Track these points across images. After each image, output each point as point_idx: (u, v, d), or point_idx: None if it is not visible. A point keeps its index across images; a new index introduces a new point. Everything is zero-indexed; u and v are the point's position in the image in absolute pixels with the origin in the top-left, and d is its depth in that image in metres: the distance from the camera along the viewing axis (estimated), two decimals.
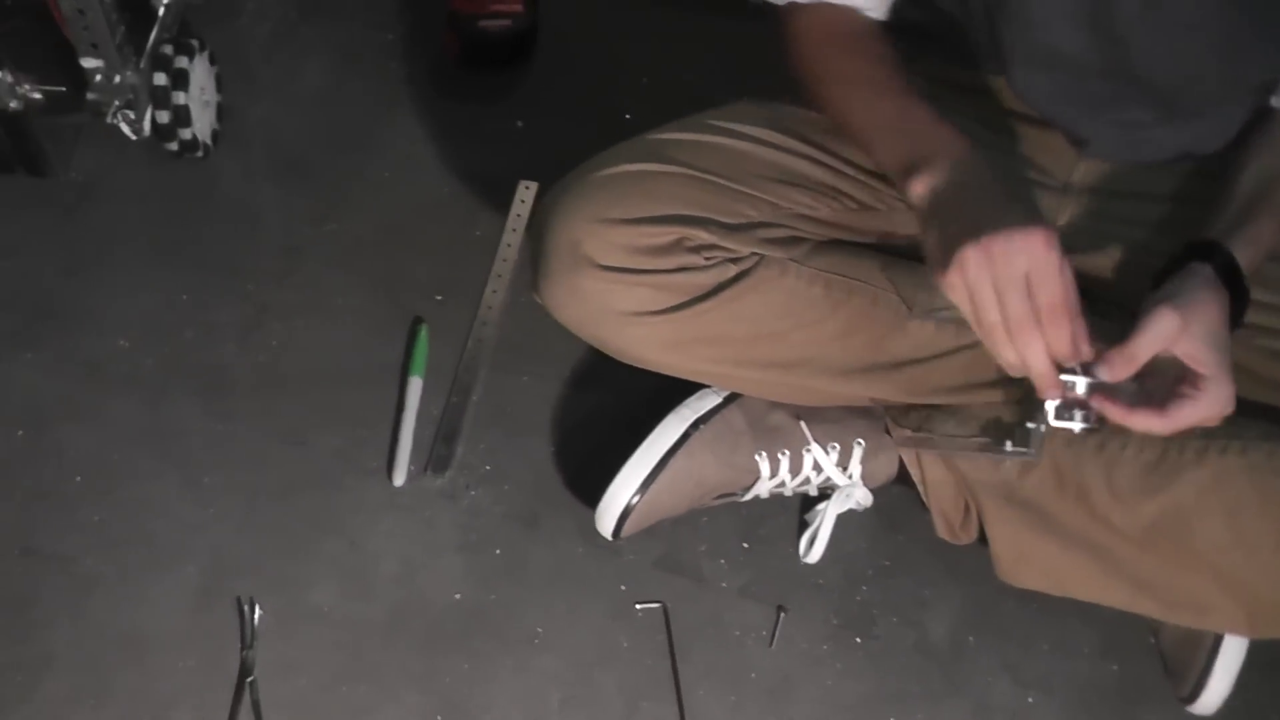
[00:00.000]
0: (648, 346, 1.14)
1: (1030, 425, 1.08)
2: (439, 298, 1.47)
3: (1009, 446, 1.12)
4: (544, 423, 1.40)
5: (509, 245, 1.51)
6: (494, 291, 1.48)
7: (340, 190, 1.56)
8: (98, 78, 1.46)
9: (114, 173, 1.59)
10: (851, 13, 1.14)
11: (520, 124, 1.63)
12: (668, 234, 1.09)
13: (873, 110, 1.08)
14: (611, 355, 1.15)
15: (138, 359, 1.44)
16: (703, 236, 1.10)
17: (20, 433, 1.39)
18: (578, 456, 1.38)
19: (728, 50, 1.71)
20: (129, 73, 1.46)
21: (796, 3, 1.15)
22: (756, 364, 1.18)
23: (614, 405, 1.40)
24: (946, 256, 0.96)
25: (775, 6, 1.15)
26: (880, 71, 1.10)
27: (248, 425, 1.39)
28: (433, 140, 1.61)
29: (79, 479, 1.36)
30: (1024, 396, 1.12)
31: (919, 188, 1.01)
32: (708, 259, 1.10)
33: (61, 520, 1.33)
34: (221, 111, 1.59)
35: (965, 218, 0.96)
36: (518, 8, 1.66)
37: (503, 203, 1.54)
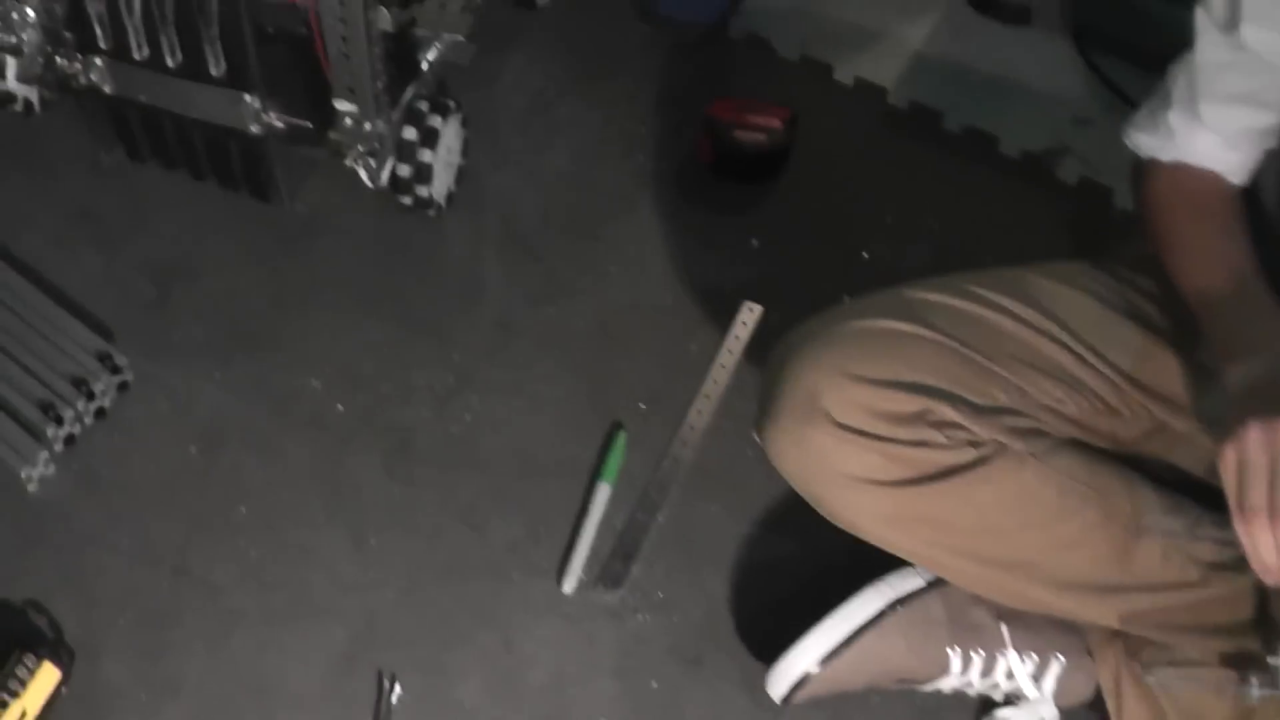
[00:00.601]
0: (866, 516, 1.09)
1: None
2: (643, 406, 1.43)
3: (1254, 687, 1.03)
4: (726, 559, 1.34)
5: (722, 367, 1.47)
6: (699, 412, 1.44)
7: (564, 275, 1.54)
8: (347, 121, 1.45)
9: (340, 213, 1.60)
10: (1212, 177, 1.10)
11: (755, 243, 1.59)
12: (913, 403, 1.04)
13: (1210, 281, 1.04)
14: (822, 514, 1.09)
15: (328, 403, 1.42)
16: (948, 413, 1.04)
17: (194, 449, 1.38)
18: (755, 602, 1.32)
19: (979, 202, 1.67)
20: (380, 122, 1.46)
21: (1157, 160, 1.11)
22: (974, 557, 1.12)
23: (802, 556, 1.34)
24: (1231, 430, 0.90)
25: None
26: (1225, 244, 1.06)
27: (427, 495, 1.36)
28: (666, 242, 1.58)
29: (244, 510, 1.34)
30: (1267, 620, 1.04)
31: (1237, 369, 0.97)
32: (948, 438, 1.05)
33: (218, 548, 1.32)
34: (461, 174, 1.59)
35: (1272, 408, 0.90)
36: (776, 125, 1.64)
37: (723, 320, 1.51)
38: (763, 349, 1.41)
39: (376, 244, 1.56)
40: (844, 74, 1.79)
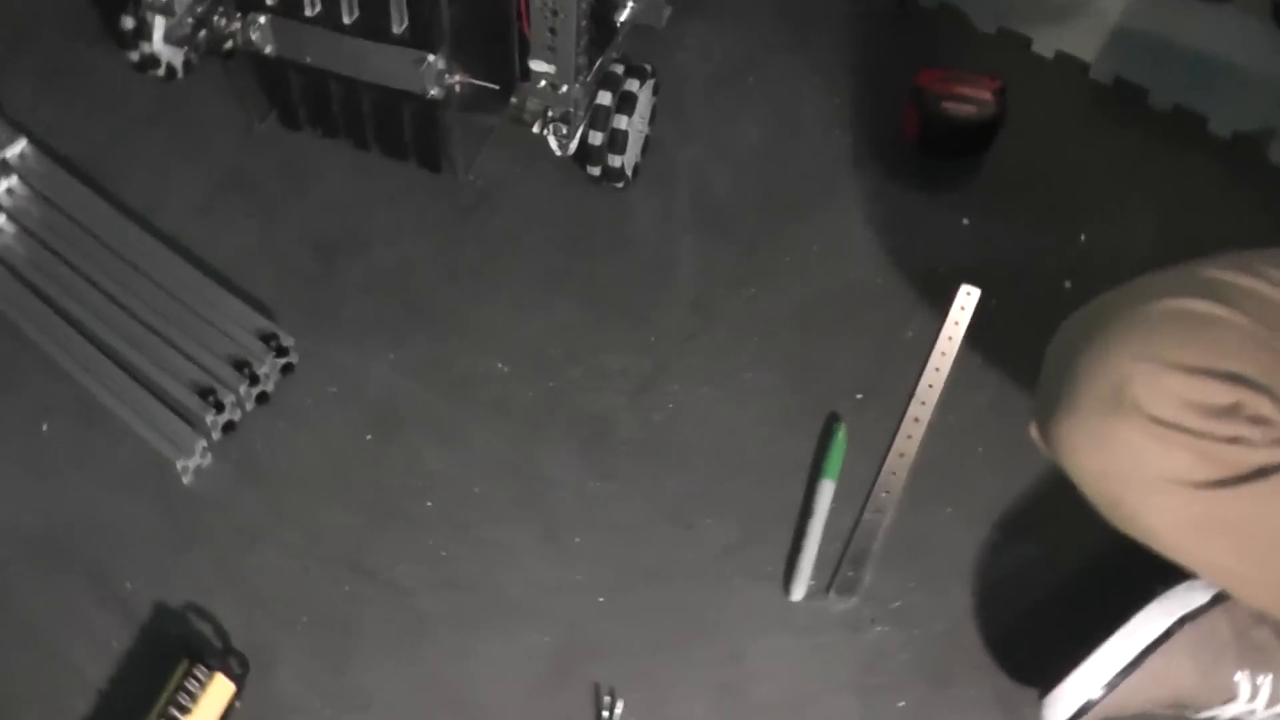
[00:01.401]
0: (1170, 522, 0.96)
1: None
2: (859, 396, 1.32)
3: None
4: (964, 565, 1.22)
5: (944, 354, 1.35)
6: (922, 403, 1.32)
7: (762, 256, 1.43)
8: (542, 83, 1.34)
9: (517, 185, 1.51)
10: None
11: (966, 221, 1.46)
12: (1229, 394, 0.91)
13: None
14: (1112, 519, 0.97)
15: (515, 388, 1.31)
16: (1263, 406, 0.91)
17: (369, 436, 1.28)
18: (1000, 614, 1.20)
19: (1194, 184, 1.56)
20: (576, 85, 1.36)
21: None
22: (1275, 568, 0.98)
23: (1046, 562, 1.24)
24: None
25: None
26: None
27: (629, 491, 1.26)
28: (870, 222, 1.46)
29: (429, 504, 1.23)
30: None
31: None
32: (1262, 434, 0.92)
33: (402, 544, 1.21)
34: (648, 145, 1.48)
35: None
36: (986, 96, 1.52)
37: (937, 304, 1.39)
38: (983, 334, 1.33)
39: (559, 218, 1.47)
40: (1043, 47, 1.67)
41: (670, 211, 1.47)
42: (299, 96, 1.48)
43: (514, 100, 1.42)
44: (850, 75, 1.64)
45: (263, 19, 1.40)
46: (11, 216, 1.43)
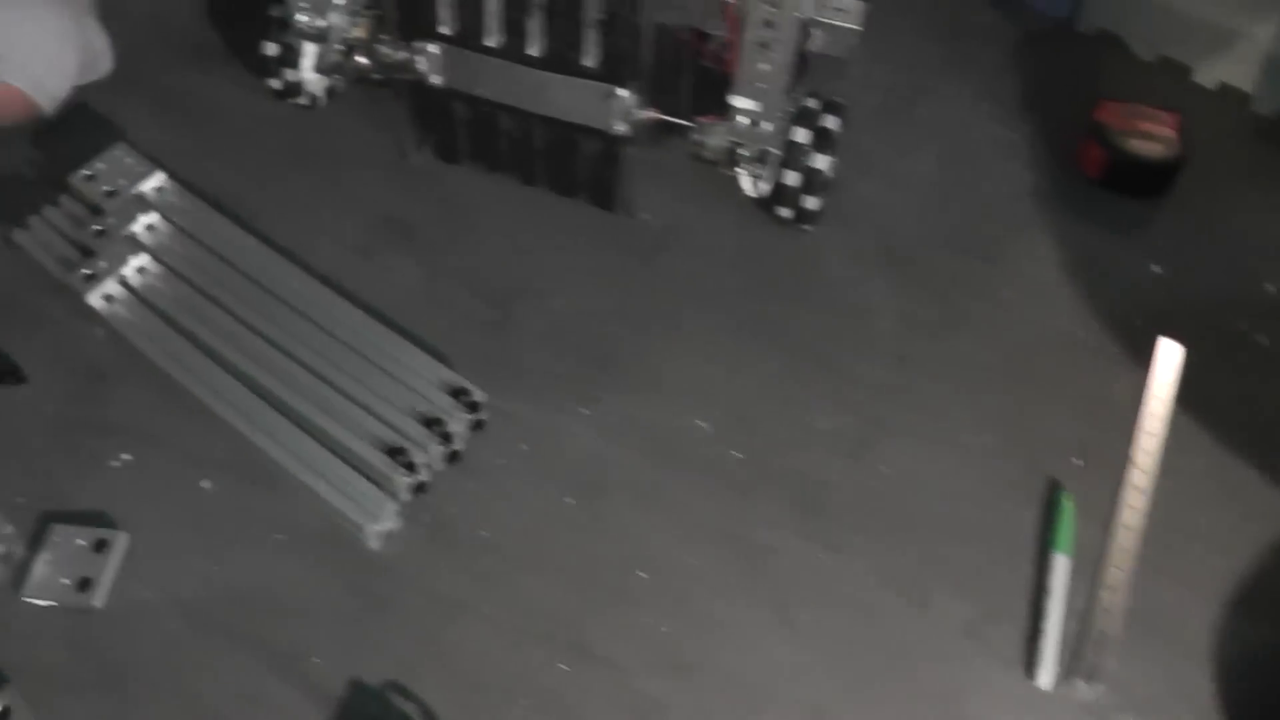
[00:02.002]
0: None
1: None
2: (1077, 461, 1.27)
3: None
4: (1204, 650, 1.18)
5: (1154, 416, 1.30)
6: (1141, 471, 1.27)
7: (956, 301, 1.39)
8: (742, 120, 1.28)
9: (694, 226, 1.45)
10: None
11: (1156, 269, 1.42)
12: None
13: None
14: None
15: (720, 449, 1.26)
16: None
17: (569, 500, 1.23)
18: (1249, 704, 1.15)
19: None
20: (775, 122, 1.31)
21: None
22: None
23: None
24: None
25: None
26: None
27: (855, 562, 1.22)
28: (1060, 265, 1.42)
29: (643, 575, 1.18)
30: None
31: None
32: None
33: (617, 619, 1.17)
34: (827, 182, 1.42)
35: None
36: (1170, 133, 1.47)
37: (1140, 357, 1.35)
38: (1188, 393, 1.31)
39: (742, 262, 1.42)
40: (1205, 76, 1.63)
41: (857, 253, 1.42)
42: (463, 129, 1.41)
43: (694, 137, 1.36)
44: (1018, 103, 1.60)
45: (434, 48, 1.32)
46: (155, 255, 1.34)
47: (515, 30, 1.32)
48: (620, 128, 1.33)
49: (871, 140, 1.52)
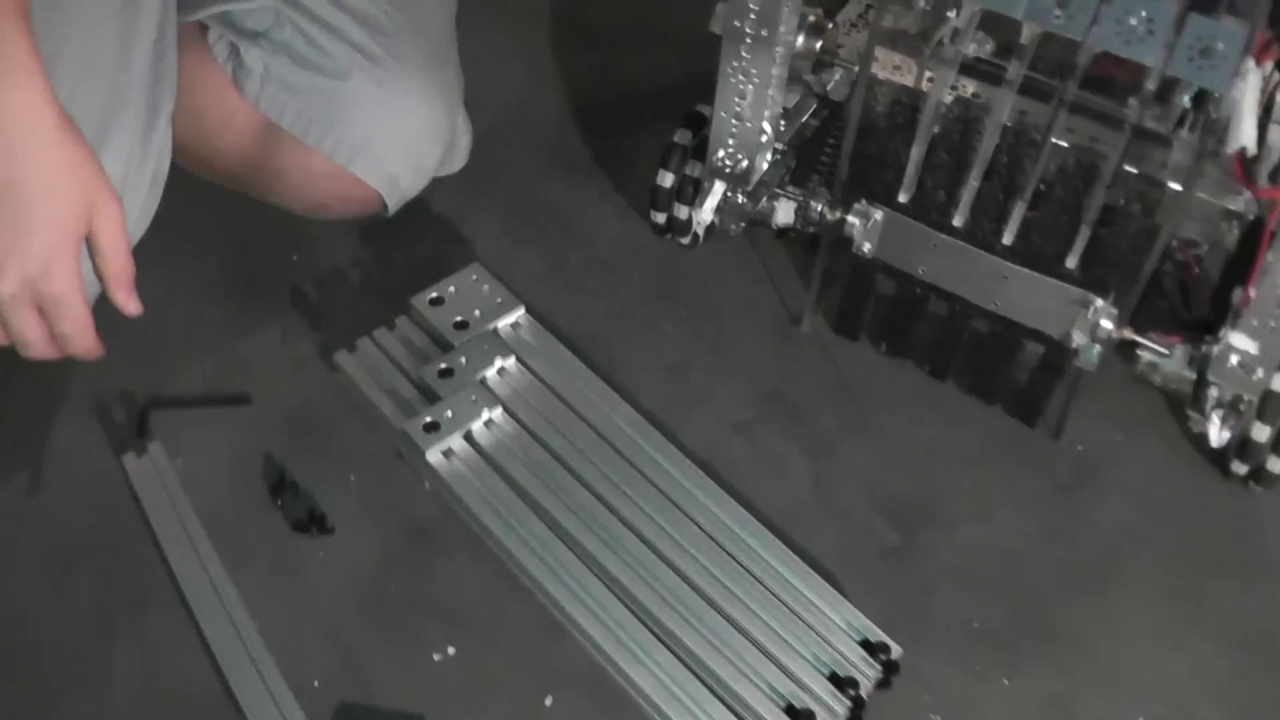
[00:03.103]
0: None
1: None
2: None
3: None
4: None
5: None
6: None
7: None
8: (1233, 361, 1.12)
9: (1121, 461, 1.26)
10: None
11: None
12: None
13: None
14: None
15: None
16: None
17: None
18: None
19: None
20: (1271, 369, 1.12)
21: None
22: None
23: None
24: None
25: None
26: None
27: None
28: None
29: None
30: None
31: None
32: None
33: None
34: None
35: None
36: None
37: None
38: None
39: (1176, 514, 1.22)
40: None
41: None
42: (878, 305, 1.25)
43: (1144, 360, 1.18)
44: None
45: (879, 215, 1.13)
46: (508, 409, 1.15)
47: (989, 214, 1.15)
48: (1080, 341, 1.14)
49: None
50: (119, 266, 1.00)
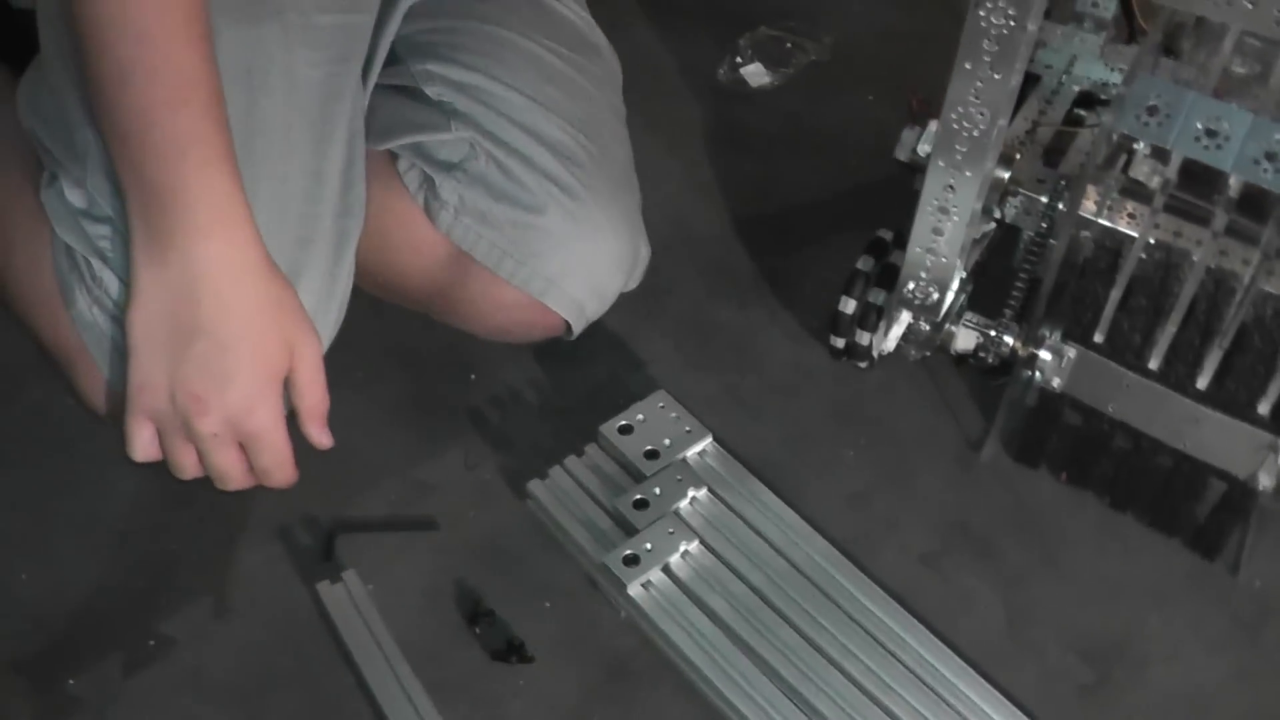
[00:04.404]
0: None
1: None
2: None
3: None
4: None
5: None
6: None
7: None
8: None
9: None
10: None
11: None
12: None
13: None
14: None
15: None
16: None
17: None
18: None
19: None
20: None
21: None
22: None
23: None
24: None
25: None
26: None
27: None
28: None
29: None
30: None
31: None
32: None
33: None
34: None
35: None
36: None
37: None
38: None
39: None
40: None
41: None
42: (1063, 438, 1.30)
43: None
44: None
45: (1073, 353, 1.18)
46: (704, 540, 1.21)
47: (1185, 358, 1.20)
48: (1266, 483, 1.21)
49: None
50: (315, 401, 1.06)
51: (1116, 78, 1.43)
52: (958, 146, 1.17)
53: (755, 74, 1.78)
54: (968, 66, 1.11)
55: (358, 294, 1.27)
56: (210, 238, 1.02)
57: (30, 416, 1.32)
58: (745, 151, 1.71)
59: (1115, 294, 1.20)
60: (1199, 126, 1.05)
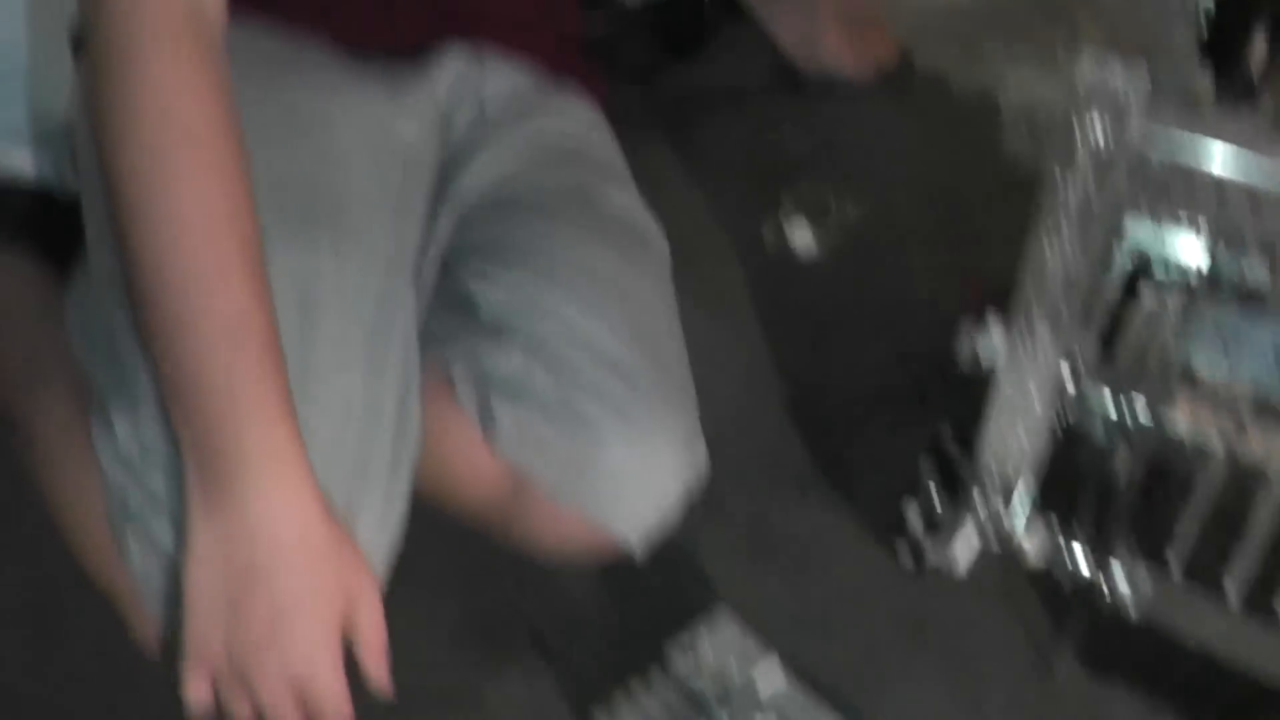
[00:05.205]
0: None
1: None
2: None
3: None
4: None
5: None
6: None
7: None
8: None
9: None
10: None
11: None
12: None
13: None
14: None
15: None
16: None
17: None
18: None
19: None
20: None
21: None
22: None
23: None
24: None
25: None
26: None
27: None
28: None
29: None
30: None
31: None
32: None
33: None
34: None
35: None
36: None
37: None
38: None
39: None
40: None
41: None
42: (1135, 667, 1.31)
43: None
44: None
45: (1145, 579, 1.17)
46: None
47: (1266, 584, 1.19)
48: None
49: None
50: (375, 649, 1.04)
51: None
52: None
53: (801, 237, 1.76)
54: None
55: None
56: (267, 490, 1.01)
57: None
58: (794, 325, 1.71)
59: (1194, 518, 1.19)
60: None
